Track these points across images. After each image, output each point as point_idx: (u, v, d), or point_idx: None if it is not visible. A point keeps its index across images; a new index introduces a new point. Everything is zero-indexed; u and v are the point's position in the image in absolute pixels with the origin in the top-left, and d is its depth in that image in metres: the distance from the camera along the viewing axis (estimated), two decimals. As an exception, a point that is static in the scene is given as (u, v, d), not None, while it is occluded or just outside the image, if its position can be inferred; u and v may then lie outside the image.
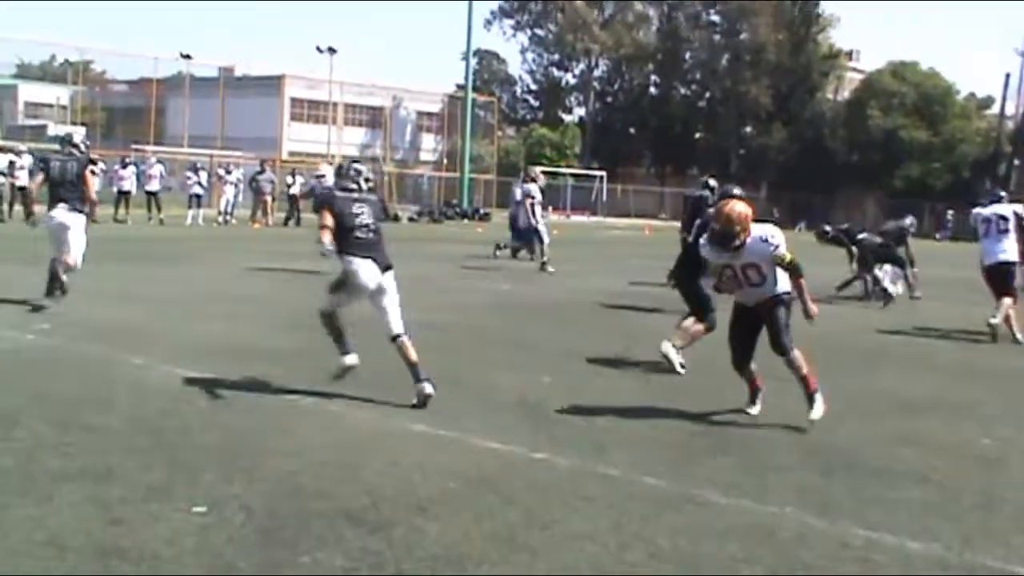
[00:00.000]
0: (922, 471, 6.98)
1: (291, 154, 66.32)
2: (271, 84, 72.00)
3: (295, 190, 36.57)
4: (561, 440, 7.33)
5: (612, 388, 9.40)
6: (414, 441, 7.11)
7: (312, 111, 74.51)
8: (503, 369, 10.04)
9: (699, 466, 6.86)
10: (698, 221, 10.96)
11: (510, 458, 6.80)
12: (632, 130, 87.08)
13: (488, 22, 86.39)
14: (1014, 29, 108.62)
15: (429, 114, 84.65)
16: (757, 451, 7.29)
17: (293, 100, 74.78)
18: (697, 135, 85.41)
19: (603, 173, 68.17)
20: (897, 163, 70.76)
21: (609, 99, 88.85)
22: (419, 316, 13.55)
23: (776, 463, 7.00)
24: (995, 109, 76.58)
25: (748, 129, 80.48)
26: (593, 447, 7.18)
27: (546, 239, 22.37)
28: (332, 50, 63.60)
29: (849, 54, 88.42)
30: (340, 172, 9.56)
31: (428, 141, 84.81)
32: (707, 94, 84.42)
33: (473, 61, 71.17)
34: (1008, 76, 73.77)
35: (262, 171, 36.94)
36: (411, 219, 48.33)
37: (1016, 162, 72.41)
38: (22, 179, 27.72)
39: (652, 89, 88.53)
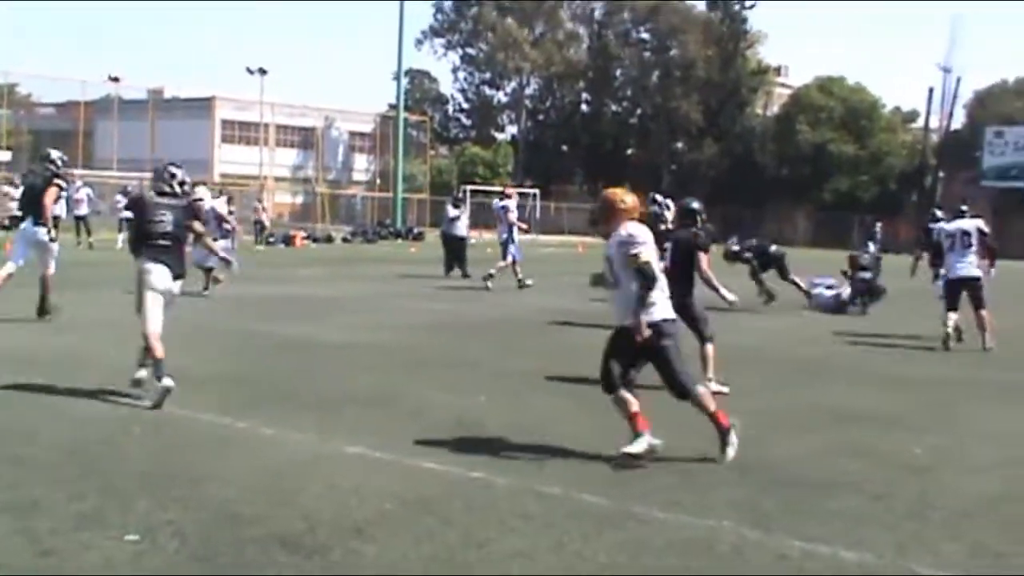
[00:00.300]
0: (857, 481, 7.04)
1: (223, 176, 65.87)
2: (201, 106, 71.52)
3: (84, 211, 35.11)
4: (499, 459, 7.31)
5: (550, 406, 9.39)
6: (350, 464, 7.05)
7: (243, 132, 74.00)
8: (440, 389, 10.00)
9: (639, 483, 6.86)
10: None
11: (448, 478, 6.76)
12: (564, 147, 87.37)
13: (419, 42, 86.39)
14: (937, 44, 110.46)
15: (361, 134, 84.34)
16: (696, 467, 7.30)
17: (224, 122, 74.26)
18: (629, 151, 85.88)
19: (536, 191, 68.27)
20: (826, 176, 71.69)
21: (541, 117, 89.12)
22: (354, 336, 13.61)
23: (714, 479, 7.02)
24: (920, 123, 77.96)
25: (679, 145, 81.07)
26: (532, 465, 7.17)
27: (518, 256, 22.84)
28: (263, 71, 63.27)
29: (777, 70, 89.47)
30: (156, 174, 9.42)
31: (360, 161, 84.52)
32: (638, 111, 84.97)
33: (405, 81, 71.18)
34: (931, 90, 75.27)
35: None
36: (344, 239, 48.16)
37: (941, 174, 73.71)
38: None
39: (583, 106, 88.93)
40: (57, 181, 13.77)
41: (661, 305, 7.41)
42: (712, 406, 7.49)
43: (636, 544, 5.56)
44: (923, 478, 7.28)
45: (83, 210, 33.65)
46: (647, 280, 7.25)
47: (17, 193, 28.35)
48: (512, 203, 23.02)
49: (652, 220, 13.00)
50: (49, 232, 13.57)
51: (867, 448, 8.10)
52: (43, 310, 13.58)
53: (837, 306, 19.07)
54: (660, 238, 10.00)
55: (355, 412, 8.66)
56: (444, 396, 9.62)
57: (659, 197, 13.53)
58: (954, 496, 6.85)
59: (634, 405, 7.37)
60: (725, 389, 9.96)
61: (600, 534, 5.71)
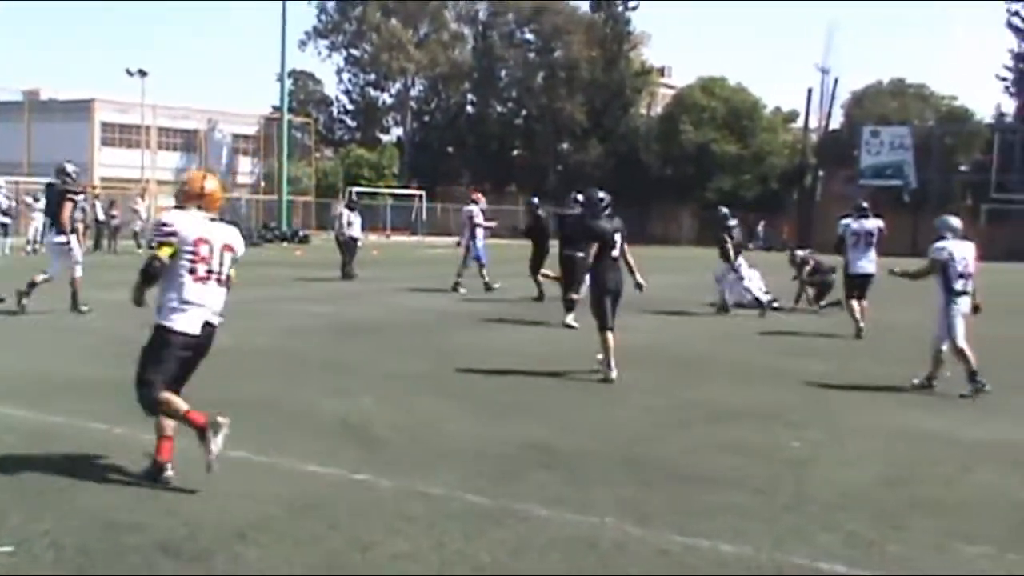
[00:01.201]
0: (737, 477, 7.18)
1: (103, 180, 64.48)
2: (80, 108, 69.75)
3: (102, 216, 37.23)
4: (383, 461, 7.31)
5: (435, 407, 9.40)
6: (234, 469, 6.95)
7: (124, 135, 72.50)
8: (324, 393, 9.94)
9: (522, 481, 6.91)
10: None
11: (332, 481, 6.75)
12: (450, 149, 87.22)
13: (303, 43, 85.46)
14: (815, 46, 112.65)
15: (245, 136, 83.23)
16: (579, 465, 7.37)
17: (104, 124, 72.59)
18: (515, 152, 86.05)
19: (422, 192, 68.15)
20: (709, 176, 72.51)
21: (426, 118, 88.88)
22: (236, 341, 13.41)
23: (598, 476, 7.09)
24: (800, 123, 79.43)
25: (565, 145, 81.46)
26: (416, 466, 7.18)
27: (484, 259, 23.24)
28: (143, 72, 62.15)
29: (661, 70, 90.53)
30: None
31: (245, 164, 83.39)
32: (523, 111, 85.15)
33: (288, 82, 70.53)
34: (811, 91, 76.70)
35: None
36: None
37: (821, 173, 75.20)
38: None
39: (469, 108, 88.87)
40: (70, 195, 15.65)
41: (166, 304, 6.72)
42: (182, 410, 6.70)
43: (519, 543, 5.61)
44: (801, 471, 7.45)
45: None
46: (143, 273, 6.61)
47: (40, 205, 32.16)
48: (476, 209, 23.28)
49: (579, 220, 13.52)
50: (68, 241, 15.60)
51: (748, 444, 8.25)
52: (75, 306, 15.79)
53: (755, 303, 19.05)
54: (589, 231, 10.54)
55: (238, 417, 8.44)
56: (329, 400, 9.56)
57: (580, 196, 13.97)
58: (830, 488, 7.01)
59: (181, 406, 6.71)
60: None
61: (483, 533, 5.74)
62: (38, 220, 35.64)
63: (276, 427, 8.25)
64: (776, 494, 6.78)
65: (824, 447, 8.29)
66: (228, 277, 6.84)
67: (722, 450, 7.98)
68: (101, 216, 37.31)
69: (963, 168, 70.88)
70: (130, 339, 12.10)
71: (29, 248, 34.27)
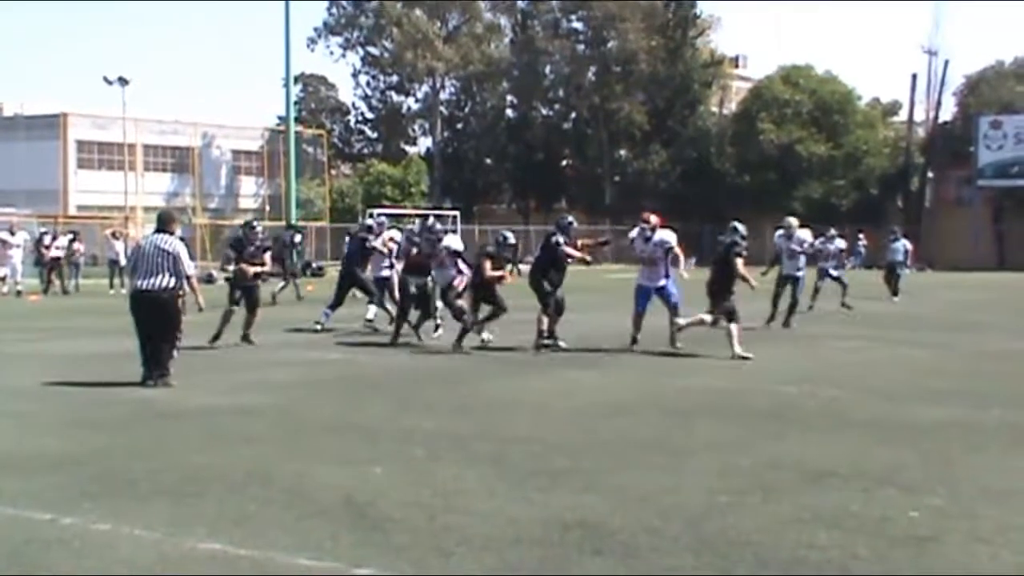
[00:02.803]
0: (838, 559, 6.79)
1: (80, 208, 64.96)
2: (50, 124, 70.26)
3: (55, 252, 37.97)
4: (396, 548, 6.98)
5: (459, 477, 9.04)
6: (205, 566, 6.65)
7: (104, 155, 73.20)
8: (325, 461, 9.62)
9: (568, 572, 6.57)
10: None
11: (326, 578, 6.43)
12: (488, 160, 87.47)
13: (311, 40, 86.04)
14: (919, 24, 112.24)
15: (247, 153, 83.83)
16: (638, 549, 7.01)
17: (79, 143, 73.31)
18: (564, 162, 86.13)
19: (456, 212, 68.12)
20: (795, 182, 72.06)
21: (459, 126, 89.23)
22: (225, 399, 13.18)
23: (661, 563, 6.72)
24: (903, 116, 78.80)
25: (622, 152, 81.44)
26: (437, 553, 6.87)
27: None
28: (123, 81, 62.61)
29: (734, 60, 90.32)
30: None
31: (248, 185, 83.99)
32: (573, 114, 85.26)
33: (296, 88, 70.91)
34: (915, 77, 76.24)
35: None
36: (228, 279, 47.50)
37: (930, 174, 74.48)
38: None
39: (509, 111, 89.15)
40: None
41: None
42: None
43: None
44: (923, 551, 7.04)
45: None
46: None
47: (16, 240, 36.18)
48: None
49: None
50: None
51: (851, 514, 7.84)
52: None
53: None
54: None
55: (219, 497, 8.25)
56: (330, 470, 9.23)
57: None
58: (959, 573, 6.62)
59: None
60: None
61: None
62: (16, 258, 36.06)
63: (263, 508, 7.92)
64: (890, 582, 6.34)
65: (950, 518, 7.82)
66: None
67: (818, 524, 7.56)
68: (56, 252, 37.65)
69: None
70: (94, 399, 11.84)
71: (5, 289, 34.88)
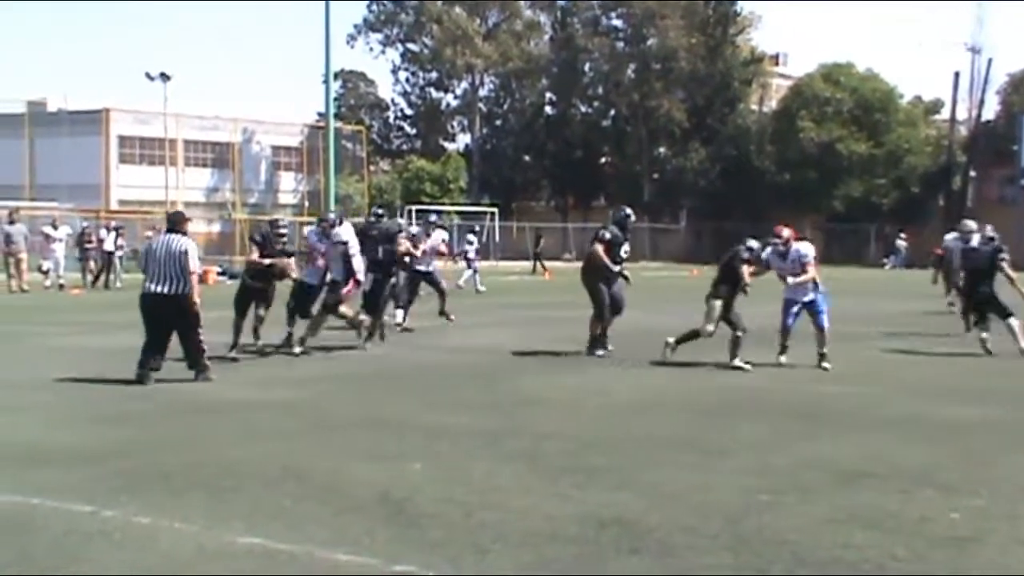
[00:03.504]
0: (876, 559, 6.75)
1: (121, 203, 65.32)
2: (93, 120, 70.66)
3: (109, 246, 37.84)
4: (432, 544, 6.98)
5: (495, 474, 9.03)
6: (244, 559, 6.68)
7: (145, 151, 73.44)
8: (361, 457, 9.63)
9: (604, 569, 6.56)
10: None
11: (364, 573, 6.46)
12: (527, 157, 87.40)
13: (351, 37, 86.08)
14: (963, 21, 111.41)
15: (287, 149, 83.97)
16: (675, 547, 6.98)
17: (121, 138, 73.61)
18: (603, 160, 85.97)
19: (494, 209, 68.14)
20: (835, 181, 71.64)
21: (498, 122, 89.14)
22: (260, 393, 13.22)
23: (698, 561, 6.70)
24: (945, 114, 78.23)
25: (661, 150, 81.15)
26: (473, 550, 6.86)
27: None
28: (165, 76, 62.93)
29: (775, 58, 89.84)
30: None
31: (287, 180, 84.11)
32: (612, 111, 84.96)
33: (336, 84, 71.01)
34: (958, 75, 75.61)
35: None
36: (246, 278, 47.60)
37: (972, 173, 73.93)
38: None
39: (548, 108, 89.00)
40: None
41: None
42: None
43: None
44: (965, 552, 7.00)
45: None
46: None
47: (59, 234, 36.81)
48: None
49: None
50: None
51: (888, 514, 7.79)
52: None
53: None
54: None
55: (254, 492, 8.27)
56: (367, 466, 9.24)
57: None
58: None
59: None
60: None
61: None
62: (58, 252, 36.39)
63: (300, 504, 7.93)
64: (928, 583, 6.32)
65: (991, 519, 7.76)
66: None
67: (855, 524, 7.51)
68: (109, 246, 37.69)
69: None
70: (133, 394, 11.90)
71: (48, 284, 35.44)
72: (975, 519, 7.74)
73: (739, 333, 15.95)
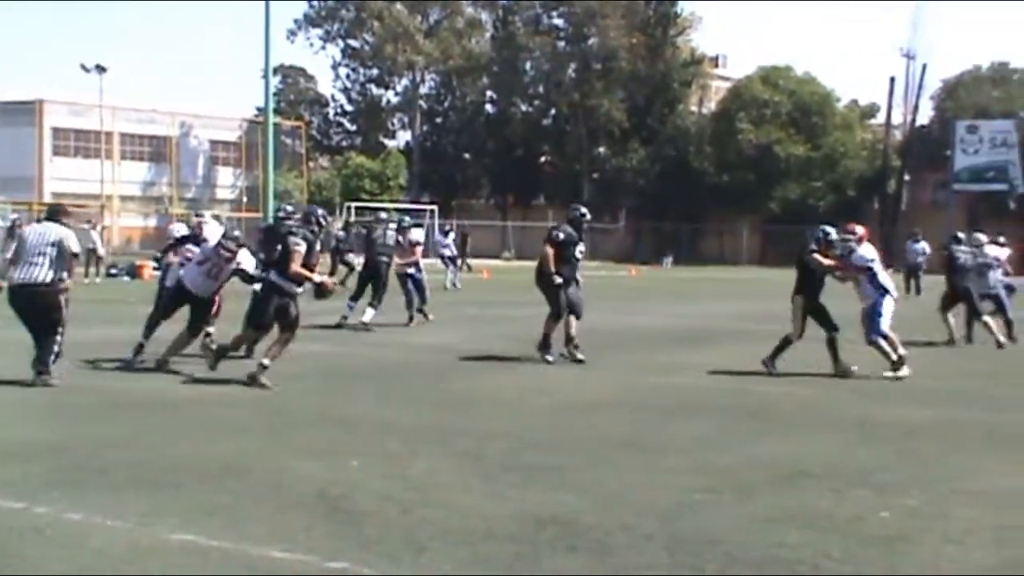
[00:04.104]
0: (810, 558, 6.79)
1: (55, 196, 64.55)
2: (25, 111, 69.80)
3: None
4: (370, 541, 6.96)
5: (435, 471, 9.02)
6: (176, 557, 6.63)
7: (80, 143, 72.81)
8: (302, 454, 9.58)
9: (539, 567, 6.57)
10: None
11: (300, 571, 6.42)
12: (467, 155, 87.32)
13: (292, 33, 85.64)
14: (898, 28, 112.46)
15: (225, 143, 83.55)
16: (612, 545, 7.00)
17: (55, 130, 72.91)
18: (542, 158, 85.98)
19: (434, 207, 67.92)
20: (773, 183, 72.00)
21: (438, 120, 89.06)
22: (205, 390, 13.10)
23: (634, 560, 6.72)
24: (881, 118, 78.91)
25: (601, 149, 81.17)
26: (410, 547, 6.84)
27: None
28: (101, 68, 62.34)
29: (714, 60, 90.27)
30: None
31: (225, 175, 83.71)
32: (552, 110, 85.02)
33: (275, 79, 70.65)
34: (893, 80, 76.24)
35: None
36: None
37: (907, 177, 74.61)
38: None
39: (488, 106, 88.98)
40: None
41: None
42: None
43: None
44: (893, 551, 7.06)
45: None
46: None
47: None
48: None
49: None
50: None
51: (823, 514, 7.87)
52: None
53: None
54: None
55: (193, 489, 8.21)
56: (308, 463, 9.19)
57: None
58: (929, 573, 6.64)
59: None
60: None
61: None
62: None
63: (239, 501, 7.90)
64: (862, 582, 6.36)
65: (921, 518, 7.84)
66: None
67: (791, 523, 7.56)
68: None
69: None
70: (75, 388, 11.76)
71: None
72: (906, 519, 7.82)
73: (833, 334, 15.53)
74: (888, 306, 15.57)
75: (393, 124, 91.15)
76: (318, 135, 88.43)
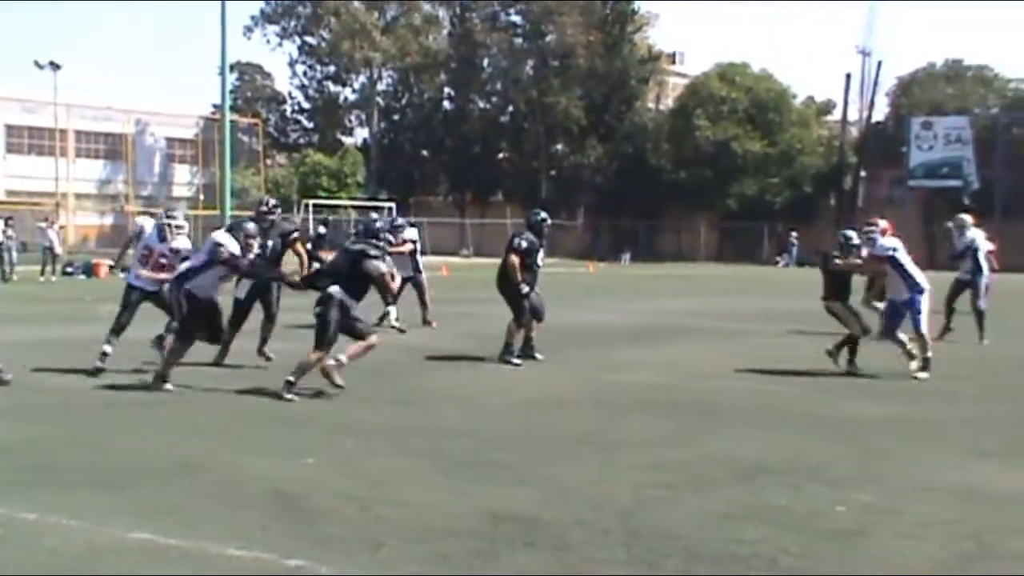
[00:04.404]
0: (766, 553, 6.82)
1: (9, 194, 64.23)
2: (-24, 108, 69.46)
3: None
4: (327, 539, 6.95)
5: (392, 469, 9.01)
6: (133, 555, 6.61)
7: (34, 140, 72.27)
8: (257, 452, 9.57)
9: (497, 564, 6.56)
10: None
11: (257, 568, 6.40)
12: (425, 152, 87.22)
13: (248, 29, 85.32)
14: (854, 25, 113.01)
15: (181, 141, 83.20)
16: (569, 541, 7.00)
17: (9, 127, 72.38)
18: (500, 156, 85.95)
19: (392, 204, 67.78)
20: (730, 179, 72.17)
21: (396, 117, 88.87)
22: (155, 392, 13.00)
23: (592, 555, 6.73)
24: (837, 115, 79.24)
25: (559, 147, 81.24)
26: (368, 545, 6.84)
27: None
28: (55, 65, 61.95)
29: (671, 57, 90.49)
30: None
31: (182, 173, 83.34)
32: (510, 108, 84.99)
33: (232, 76, 70.37)
34: (849, 77, 76.59)
35: None
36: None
37: (863, 174, 74.97)
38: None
39: (446, 103, 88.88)
40: None
41: None
42: None
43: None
44: (848, 545, 7.11)
45: None
46: None
47: None
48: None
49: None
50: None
51: (780, 509, 7.90)
52: None
53: None
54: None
55: (150, 487, 8.18)
56: (264, 461, 9.18)
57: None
58: (882, 567, 6.70)
59: None
60: None
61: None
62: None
63: (193, 499, 7.86)
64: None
65: (876, 513, 7.88)
66: None
67: (748, 518, 7.59)
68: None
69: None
70: (28, 387, 11.69)
71: None
72: (861, 513, 7.85)
73: (857, 334, 15.45)
74: (926, 304, 15.41)
75: (350, 121, 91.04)
76: (275, 132, 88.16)
